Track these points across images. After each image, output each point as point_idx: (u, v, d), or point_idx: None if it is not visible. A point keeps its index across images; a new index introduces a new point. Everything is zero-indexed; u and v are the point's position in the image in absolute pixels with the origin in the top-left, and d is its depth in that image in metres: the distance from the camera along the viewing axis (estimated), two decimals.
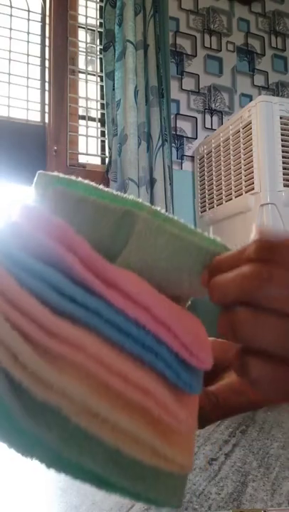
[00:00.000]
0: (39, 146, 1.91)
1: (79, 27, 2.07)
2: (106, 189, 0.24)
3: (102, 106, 2.03)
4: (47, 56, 1.98)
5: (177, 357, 0.21)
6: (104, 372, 0.18)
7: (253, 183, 1.56)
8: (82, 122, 2.03)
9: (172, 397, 0.20)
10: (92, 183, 0.25)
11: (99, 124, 2.05)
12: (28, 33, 1.95)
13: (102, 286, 0.20)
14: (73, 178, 0.25)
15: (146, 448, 0.19)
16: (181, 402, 0.21)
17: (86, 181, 0.24)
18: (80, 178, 0.25)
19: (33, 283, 0.19)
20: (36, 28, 1.99)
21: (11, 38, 1.90)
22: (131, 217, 0.23)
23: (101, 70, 2.03)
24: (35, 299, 0.19)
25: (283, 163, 1.54)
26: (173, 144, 2.06)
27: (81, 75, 2.05)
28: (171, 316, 0.21)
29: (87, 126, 2.02)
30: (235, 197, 1.68)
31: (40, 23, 2.00)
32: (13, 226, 0.21)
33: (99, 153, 2.05)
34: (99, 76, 2.06)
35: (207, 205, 1.92)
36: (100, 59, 2.04)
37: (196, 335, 0.22)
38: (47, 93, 1.96)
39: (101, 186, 0.24)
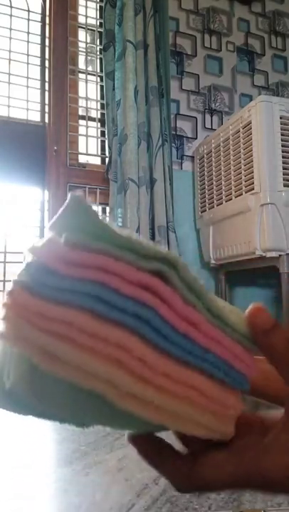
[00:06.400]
0: (39, 146, 1.91)
1: (79, 27, 2.07)
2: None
3: (102, 106, 2.03)
4: (47, 56, 1.98)
5: (225, 362, 0.23)
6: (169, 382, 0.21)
7: (253, 183, 1.56)
8: (82, 122, 2.03)
9: (219, 388, 0.23)
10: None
11: (99, 124, 2.05)
12: (28, 33, 1.95)
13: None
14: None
15: (191, 422, 0.22)
16: (227, 392, 0.23)
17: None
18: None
19: (134, 324, 0.20)
20: (36, 28, 1.99)
21: (11, 38, 1.90)
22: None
23: (101, 70, 2.03)
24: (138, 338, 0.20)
25: (283, 163, 1.54)
26: (173, 144, 2.06)
27: (81, 75, 2.05)
28: (218, 333, 0.23)
29: (87, 126, 2.02)
30: (235, 197, 1.68)
31: (40, 23, 2.00)
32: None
33: (99, 153, 2.05)
34: (99, 76, 2.06)
35: (207, 205, 1.92)
36: (100, 59, 2.04)
37: (242, 350, 0.24)
38: (47, 93, 1.96)
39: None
